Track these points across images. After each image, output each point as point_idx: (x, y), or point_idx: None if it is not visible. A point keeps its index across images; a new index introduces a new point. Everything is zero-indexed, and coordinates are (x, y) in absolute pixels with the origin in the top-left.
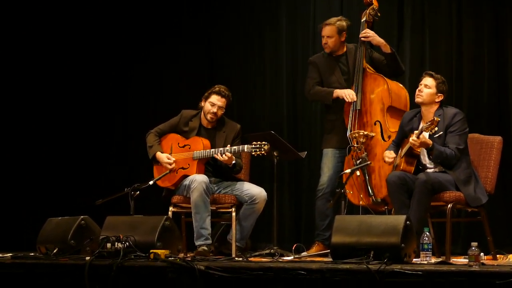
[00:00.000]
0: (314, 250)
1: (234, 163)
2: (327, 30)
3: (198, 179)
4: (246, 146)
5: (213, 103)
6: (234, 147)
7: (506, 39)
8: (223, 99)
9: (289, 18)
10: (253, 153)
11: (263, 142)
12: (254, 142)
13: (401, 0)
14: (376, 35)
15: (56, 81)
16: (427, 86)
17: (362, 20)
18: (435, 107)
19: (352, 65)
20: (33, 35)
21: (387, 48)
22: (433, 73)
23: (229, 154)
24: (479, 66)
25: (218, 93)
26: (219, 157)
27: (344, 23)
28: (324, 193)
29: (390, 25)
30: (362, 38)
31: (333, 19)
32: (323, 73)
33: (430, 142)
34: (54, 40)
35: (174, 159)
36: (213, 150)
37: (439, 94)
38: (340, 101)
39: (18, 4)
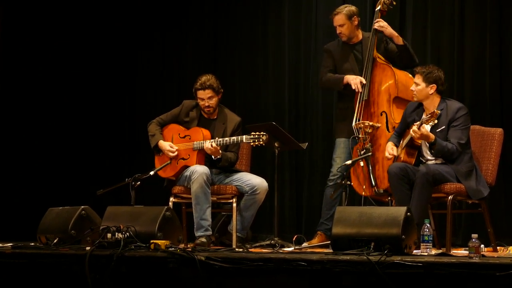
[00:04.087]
0: (316, 240)
1: (219, 158)
2: (337, 19)
3: (198, 170)
4: (244, 136)
5: (201, 98)
6: (233, 137)
7: (509, 30)
8: (207, 90)
9: (292, 10)
10: (252, 143)
11: (262, 133)
12: (252, 133)
13: None
14: (389, 26)
15: (58, 72)
16: (417, 84)
17: (376, 9)
18: (436, 99)
19: (365, 54)
20: (39, 28)
21: (399, 40)
22: (419, 68)
23: (215, 146)
24: (481, 57)
25: (200, 88)
26: (207, 144)
27: (352, 8)
28: (336, 182)
29: (392, 15)
30: (376, 27)
31: (340, 7)
32: (337, 60)
33: (433, 136)
34: (62, 31)
35: (176, 147)
36: (212, 140)
37: (431, 86)
38: (352, 89)
39: None
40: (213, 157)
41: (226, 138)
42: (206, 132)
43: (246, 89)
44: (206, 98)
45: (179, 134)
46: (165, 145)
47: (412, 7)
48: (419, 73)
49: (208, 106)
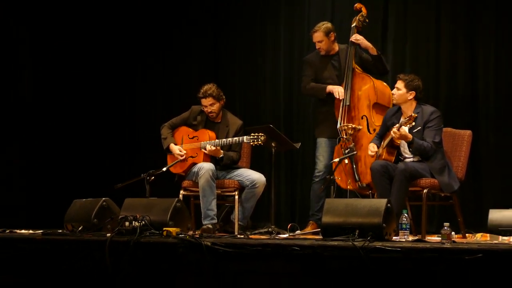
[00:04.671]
0: (309, 228)
1: (221, 157)
2: (316, 36)
3: (205, 167)
4: (245, 137)
5: (204, 105)
6: (235, 138)
7: (479, 45)
8: (208, 98)
9: (287, 24)
10: (251, 143)
11: (260, 134)
12: (252, 134)
13: (385, 7)
14: (364, 39)
15: (83, 77)
16: (398, 89)
17: (352, 26)
18: (414, 104)
19: (344, 63)
20: (54, 38)
21: (373, 51)
22: (402, 75)
23: (214, 148)
24: (453, 68)
25: (202, 96)
26: (207, 147)
27: (329, 25)
28: (322, 178)
29: (375, 30)
30: (353, 40)
31: (319, 25)
32: (317, 70)
33: (410, 136)
34: (72, 40)
35: (185, 151)
36: (217, 141)
37: (410, 92)
38: (332, 95)
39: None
40: (216, 157)
41: (229, 139)
42: (212, 134)
43: (246, 95)
44: (208, 105)
45: (188, 135)
46: (175, 149)
47: (393, 23)
48: (402, 79)
49: (211, 112)
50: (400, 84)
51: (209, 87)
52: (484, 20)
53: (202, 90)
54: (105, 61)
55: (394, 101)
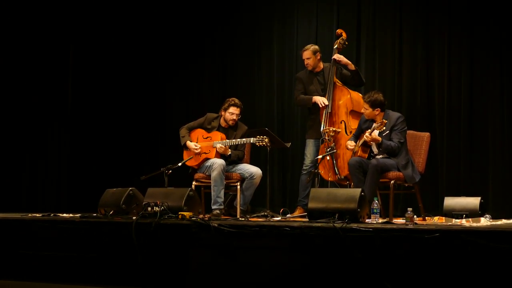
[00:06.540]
0: (297, 212)
1: (229, 154)
2: (305, 54)
3: (218, 162)
4: (252, 138)
5: (232, 113)
6: (243, 139)
7: (434, 64)
8: (238, 109)
9: (278, 48)
10: (257, 144)
11: (264, 136)
12: (258, 136)
13: (358, 33)
14: (344, 57)
15: (119, 90)
16: (366, 109)
17: (334, 47)
18: (382, 114)
19: (327, 79)
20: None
21: (352, 67)
22: (365, 98)
23: (223, 147)
24: (414, 81)
25: (234, 105)
26: (217, 146)
27: (316, 47)
28: (308, 171)
29: (351, 52)
30: (335, 59)
31: (308, 46)
32: (306, 84)
33: (380, 139)
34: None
35: (200, 145)
36: (227, 141)
37: (376, 109)
38: (316, 104)
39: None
40: (225, 155)
41: (238, 140)
42: (223, 135)
43: (247, 104)
44: (236, 113)
45: (202, 135)
46: (191, 144)
47: (365, 47)
48: (366, 102)
49: (233, 119)
50: (366, 105)
51: (237, 100)
52: (438, 42)
53: (234, 101)
54: (139, 77)
55: (366, 117)
